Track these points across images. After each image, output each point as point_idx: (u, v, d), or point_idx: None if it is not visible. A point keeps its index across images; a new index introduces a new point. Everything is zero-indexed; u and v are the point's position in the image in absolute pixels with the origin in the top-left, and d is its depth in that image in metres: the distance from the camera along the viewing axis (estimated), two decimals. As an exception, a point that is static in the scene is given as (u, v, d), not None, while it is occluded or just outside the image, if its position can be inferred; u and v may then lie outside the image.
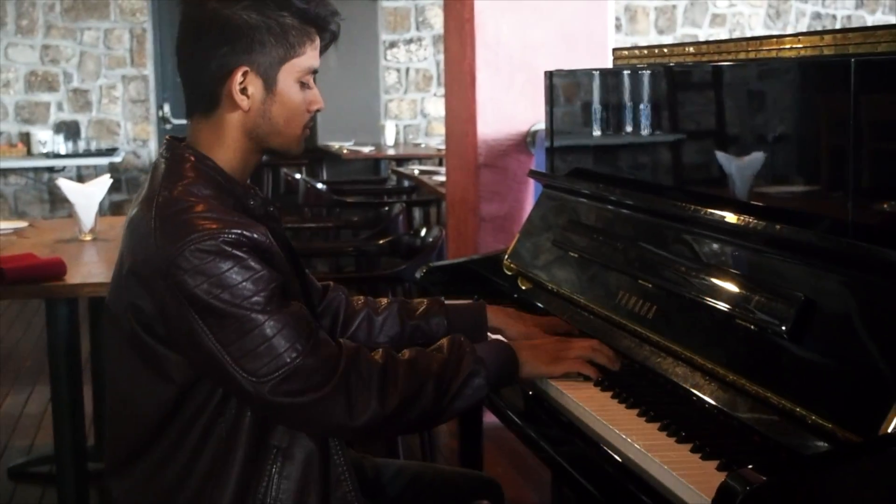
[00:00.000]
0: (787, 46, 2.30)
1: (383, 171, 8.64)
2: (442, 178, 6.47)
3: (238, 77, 1.96)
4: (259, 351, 1.82)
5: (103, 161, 8.48)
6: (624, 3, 9.52)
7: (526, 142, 4.60)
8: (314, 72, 2.03)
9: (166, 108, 9.26)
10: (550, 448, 2.07)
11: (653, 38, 9.54)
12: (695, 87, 2.49)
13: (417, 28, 9.41)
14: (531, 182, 4.59)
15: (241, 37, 1.95)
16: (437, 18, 9.25)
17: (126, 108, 9.06)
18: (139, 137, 9.10)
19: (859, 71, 1.80)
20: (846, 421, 1.59)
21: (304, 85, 2.02)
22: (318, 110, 2.06)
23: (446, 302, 2.41)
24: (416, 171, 7.20)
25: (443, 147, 8.76)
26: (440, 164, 8.14)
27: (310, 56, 2.01)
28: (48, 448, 4.22)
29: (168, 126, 9.23)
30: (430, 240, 3.79)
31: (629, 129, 2.68)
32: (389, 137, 8.94)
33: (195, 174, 1.96)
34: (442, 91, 9.41)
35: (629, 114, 2.68)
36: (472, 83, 4.64)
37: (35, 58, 8.87)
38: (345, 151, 8.39)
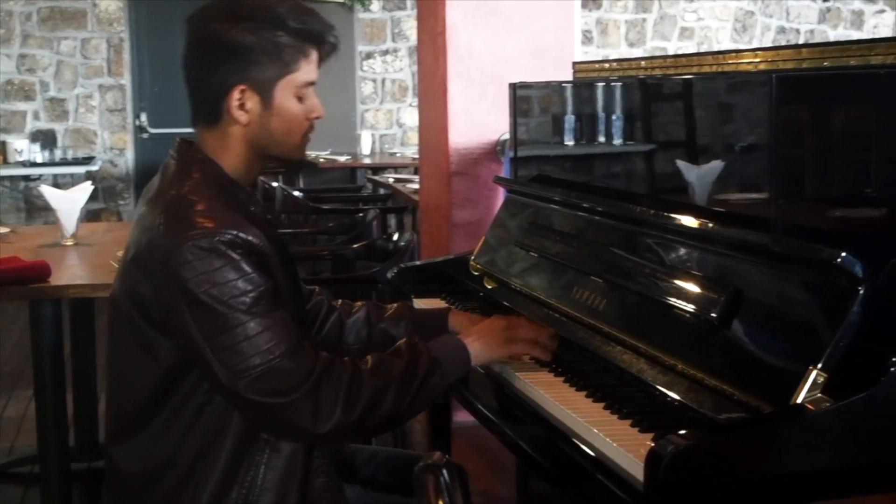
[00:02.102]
0: (746, 61, 2.51)
1: (360, 180, 8.82)
2: (416, 186, 6.67)
3: (236, 94, 2.09)
4: (239, 347, 1.96)
5: (80, 170, 8.53)
6: (595, 16, 9.74)
7: (496, 150, 4.79)
8: (312, 83, 2.16)
9: (143, 117, 9.33)
10: (510, 430, 2.28)
11: (624, 51, 9.76)
12: (645, 99, 2.69)
13: (393, 39, 9.60)
14: (501, 189, 4.79)
15: (238, 56, 2.08)
16: (412, 30, 9.44)
17: (103, 118, 9.16)
18: (116, 146, 9.20)
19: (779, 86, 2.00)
20: (765, 395, 1.80)
21: (301, 97, 2.15)
22: (317, 118, 2.19)
23: (414, 307, 2.58)
24: (391, 180, 7.39)
25: (417, 156, 8.97)
26: (415, 172, 8.34)
27: (305, 71, 2.13)
28: (30, 449, 4.32)
29: (145, 135, 9.33)
30: (403, 243, 3.98)
31: (586, 138, 2.88)
32: (365, 147, 9.13)
33: (202, 175, 2.11)
34: (417, 101, 9.61)
35: (586, 123, 2.88)
36: (444, 94, 4.81)
37: (12, 67, 8.97)
38: (321, 160, 8.56)
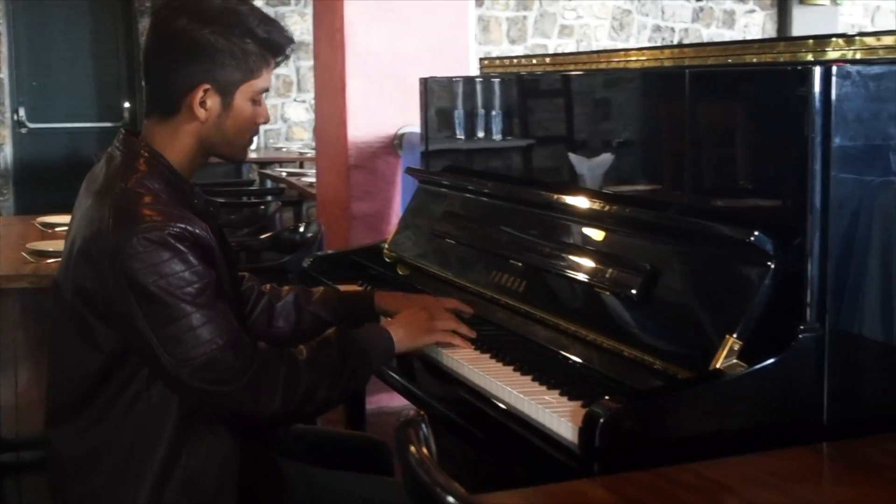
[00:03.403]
0: (633, 59, 2.70)
1: (245, 175, 8.87)
2: (308, 180, 6.76)
3: (199, 92, 2.18)
4: (183, 338, 2.06)
5: (-43, 165, 8.48)
6: (478, 13, 9.92)
7: (394, 144, 4.92)
8: (267, 90, 2.28)
9: (22, 111, 9.23)
10: (441, 406, 2.42)
11: (505, 48, 9.97)
12: (552, 94, 2.85)
13: (278, 35, 9.64)
14: (399, 182, 4.93)
15: (207, 57, 2.17)
16: (296, 26, 9.51)
17: (-20, 113, 9.07)
18: (-6, 141, 9.13)
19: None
20: (684, 363, 1.97)
21: (256, 102, 2.26)
22: (264, 123, 2.31)
23: (340, 290, 2.71)
24: (284, 174, 7.46)
25: (304, 151, 9.06)
26: (301, 166, 8.42)
27: (264, 78, 2.25)
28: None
29: (24, 130, 9.24)
30: (310, 234, 4.09)
31: (496, 129, 3.03)
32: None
33: (148, 168, 2.19)
34: (302, 97, 9.69)
35: (495, 116, 3.03)
36: (342, 89, 4.92)
37: None
38: (209, 156, 8.54)
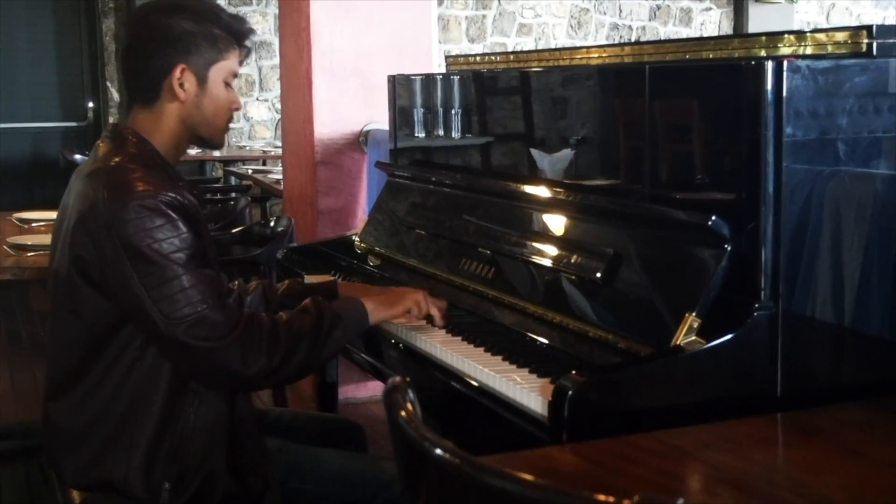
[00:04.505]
0: (594, 55, 2.82)
1: (209, 173, 8.96)
2: (274, 177, 6.86)
3: (177, 73, 2.37)
4: (175, 297, 2.20)
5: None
6: (437, 12, 10.03)
7: (359, 141, 5.02)
8: (236, 76, 2.46)
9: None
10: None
11: (465, 47, 10.09)
12: (519, 91, 2.96)
13: (240, 34, 9.72)
14: (364, 178, 5.04)
15: (181, 40, 2.37)
16: (257, 25, 9.60)
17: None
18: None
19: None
20: (647, 341, 2.10)
21: (228, 85, 2.45)
22: (237, 109, 2.48)
23: (304, 281, 2.84)
24: (250, 171, 7.55)
25: (267, 149, 9.14)
26: (264, 164, 8.50)
27: (233, 61, 2.45)
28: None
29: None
30: (281, 228, 4.19)
31: (462, 125, 3.15)
32: (215, 140, 9.23)
33: (136, 150, 2.35)
34: (264, 96, 9.77)
35: (462, 113, 3.15)
36: (308, 87, 5.02)
37: None
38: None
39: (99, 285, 2.25)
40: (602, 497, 1.05)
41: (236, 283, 2.77)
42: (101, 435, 2.31)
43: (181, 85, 2.38)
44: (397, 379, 1.45)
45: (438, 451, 1.24)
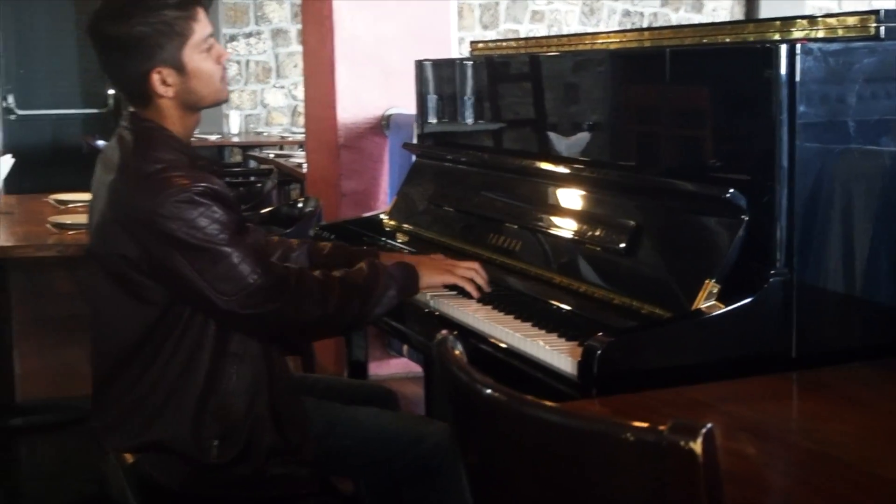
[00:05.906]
0: (614, 41, 2.96)
1: (227, 158, 9.12)
2: (296, 161, 7.02)
3: (155, 77, 2.42)
4: (229, 276, 2.34)
5: (-54, 151, 8.63)
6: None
7: (381, 125, 5.17)
8: (211, 35, 2.47)
9: (10, 98, 9.42)
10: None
11: (478, 33, 10.21)
12: (544, 75, 3.10)
13: (256, 22, 9.86)
14: (385, 161, 5.19)
15: (142, 47, 2.39)
16: (274, 13, 9.76)
17: (-31, 100, 9.23)
18: (-17, 128, 9.28)
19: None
20: (668, 306, 2.24)
21: (207, 49, 2.46)
22: (226, 60, 2.52)
23: (348, 246, 2.97)
24: (272, 156, 7.71)
25: (284, 135, 9.29)
26: (281, 149, 8.65)
27: (200, 28, 2.44)
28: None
29: (13, 117, 9.42)
30: (309, 209, 4.32)
31: (488, 109, 3.29)
32: (234, 126, 9.39)
33: (158, 141, 2.44)
34: (280, 83, 9.91)
35: (488, 97, 3.29)
36: (331, 73, 5.17)
37: None
38: (192, 139, 8.75)
39: (150, 275, 2.38)
40: (639, 423, 1.19)
41: (276, 238, 2.92)
42: (152, 405, 2.45)
43: (164, 83, 2.42)
44: (444, 331, 1.58)
45: (489, 390, 1.38)
